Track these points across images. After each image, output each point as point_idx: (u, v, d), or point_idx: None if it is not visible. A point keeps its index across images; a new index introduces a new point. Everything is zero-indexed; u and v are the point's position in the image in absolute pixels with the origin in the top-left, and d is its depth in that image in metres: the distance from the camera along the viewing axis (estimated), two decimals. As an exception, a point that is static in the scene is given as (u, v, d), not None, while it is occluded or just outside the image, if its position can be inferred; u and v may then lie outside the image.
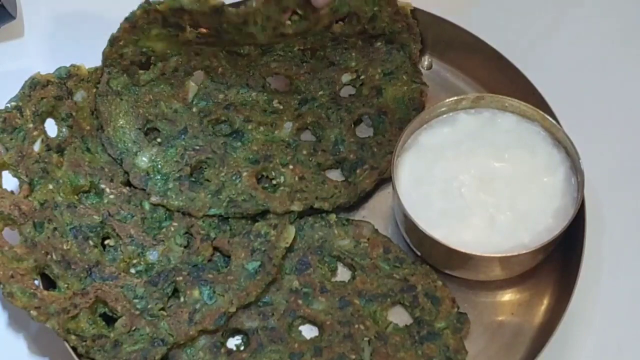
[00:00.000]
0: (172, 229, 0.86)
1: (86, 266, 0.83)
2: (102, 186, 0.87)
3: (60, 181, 0.86)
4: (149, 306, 0.82)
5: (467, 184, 0.83)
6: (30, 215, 0.83)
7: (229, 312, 0.82)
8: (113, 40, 0.87)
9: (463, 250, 0.80)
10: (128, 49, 0.89)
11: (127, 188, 0.88)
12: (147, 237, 0.86)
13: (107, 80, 0.89)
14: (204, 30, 0.86)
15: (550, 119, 0.85)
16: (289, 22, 0.84)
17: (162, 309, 0.82)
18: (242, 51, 0.93)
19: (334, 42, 0.94)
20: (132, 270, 0.84)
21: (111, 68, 0.89)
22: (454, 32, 0.94)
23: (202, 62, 0.92)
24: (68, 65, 0.89)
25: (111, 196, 0.87)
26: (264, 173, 0.89)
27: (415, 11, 0.93)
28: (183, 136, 0.90)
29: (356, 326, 0.82)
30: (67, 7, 1.03)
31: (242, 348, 0.83)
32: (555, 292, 0.85)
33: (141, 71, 0.91)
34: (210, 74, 0.92)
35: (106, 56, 0.89)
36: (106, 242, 0.86)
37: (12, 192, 0.84)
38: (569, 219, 0.81)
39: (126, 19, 0.85)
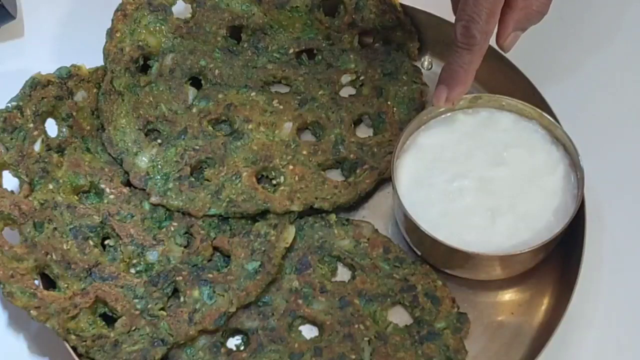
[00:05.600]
0: (172, 229, 0.86)
1: (86, 266, 0.83)
2: (102, 186, 0.87)
3: (60, 181, 0.86)
4: (149, 306, 0.82)
5: (466, 183, 0.83)
6: (30, 215, 0.83)
7: (229, 312, 0.82)
8: (110, 32, 0.90)
9: (464, 249, 0.80)
10: (125, 42, 0.90)
11: (127, 188, 0.88)
12: (147, 237, 0.85)
13: (111, 79, 0.90)
14: (189, 15, 0.93)
15: (548, 116, 0.85)
16: None
17: (162, 309, 0.82)
18: (236, 49, 0.94)
19: (329, 43, 0.94)
20: (132, 270, 0.84)
21: (114, 66, 0.90)
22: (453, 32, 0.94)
23: (197, 62, 0.92)
24: (68, 65, 0.89)
25: (111, 196, 0.87)
26: (264, 173, 0.89)
27: (406, 7, 0.94)
28: (183, 136, 0.90)
29: (356, 326, 0.82)
30: (67, 7, 1.03)
31: (242, 348, 0.83)
32: (555, 292, 0.85)
33: (140, 73, 0.92)
34: (207, 75, 0.93)
35: (107, 52, 0.90)
36: (106, 242, 0.86)
37: (12, 192, 0.85)
38: (570, 217, 0.81)
39: (116, 9, 0.91)
